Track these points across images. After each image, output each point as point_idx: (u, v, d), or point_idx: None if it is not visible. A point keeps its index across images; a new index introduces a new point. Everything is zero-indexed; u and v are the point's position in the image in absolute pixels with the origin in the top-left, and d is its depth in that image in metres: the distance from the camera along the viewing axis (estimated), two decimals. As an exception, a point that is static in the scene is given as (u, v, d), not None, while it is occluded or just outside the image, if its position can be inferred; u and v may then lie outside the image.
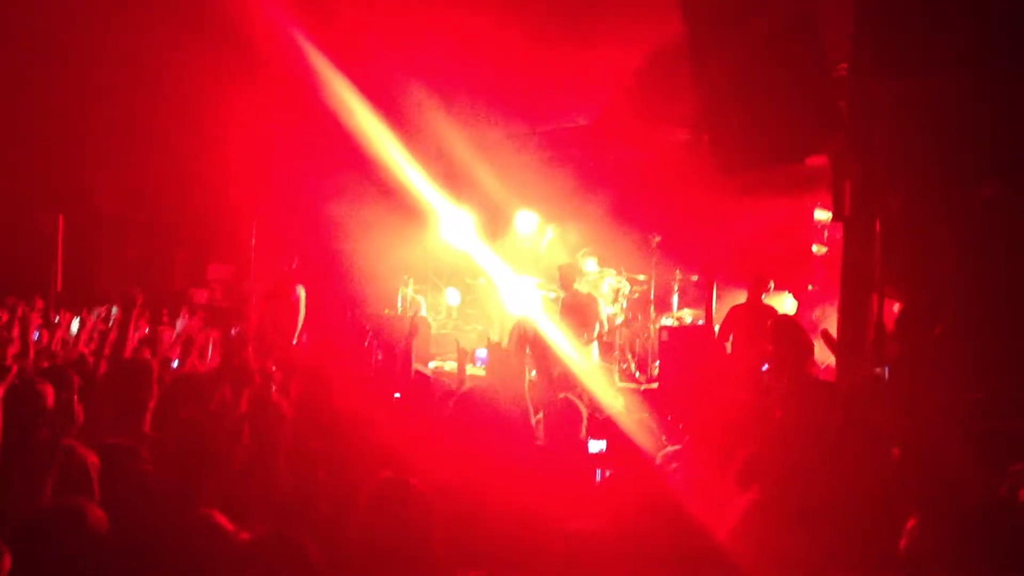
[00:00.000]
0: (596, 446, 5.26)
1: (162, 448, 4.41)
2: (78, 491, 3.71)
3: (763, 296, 9.84)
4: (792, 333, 8.11)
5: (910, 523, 2.82)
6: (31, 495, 3.80)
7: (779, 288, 10.78)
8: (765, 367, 7.70)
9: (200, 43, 11.03)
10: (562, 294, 10.50)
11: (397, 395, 5.81)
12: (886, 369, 6.86)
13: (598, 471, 5.10)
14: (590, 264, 11.92)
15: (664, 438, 6.42)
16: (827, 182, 8.57)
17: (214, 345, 7.83)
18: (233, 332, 9.01)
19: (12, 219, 13.76)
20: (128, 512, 3.58)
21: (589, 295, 10.72)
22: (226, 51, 11.15)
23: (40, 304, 8.89)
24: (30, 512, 3.36)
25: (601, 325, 10.65)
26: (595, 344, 10.85)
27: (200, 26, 10.98)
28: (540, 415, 5.33)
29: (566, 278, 10.73)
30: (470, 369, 8.05)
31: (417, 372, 6.58)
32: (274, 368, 6.26)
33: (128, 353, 5.74)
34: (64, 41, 11.66)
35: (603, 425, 5.33)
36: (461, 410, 4.74)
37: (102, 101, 12.87)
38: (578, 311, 10.40)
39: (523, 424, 5.35)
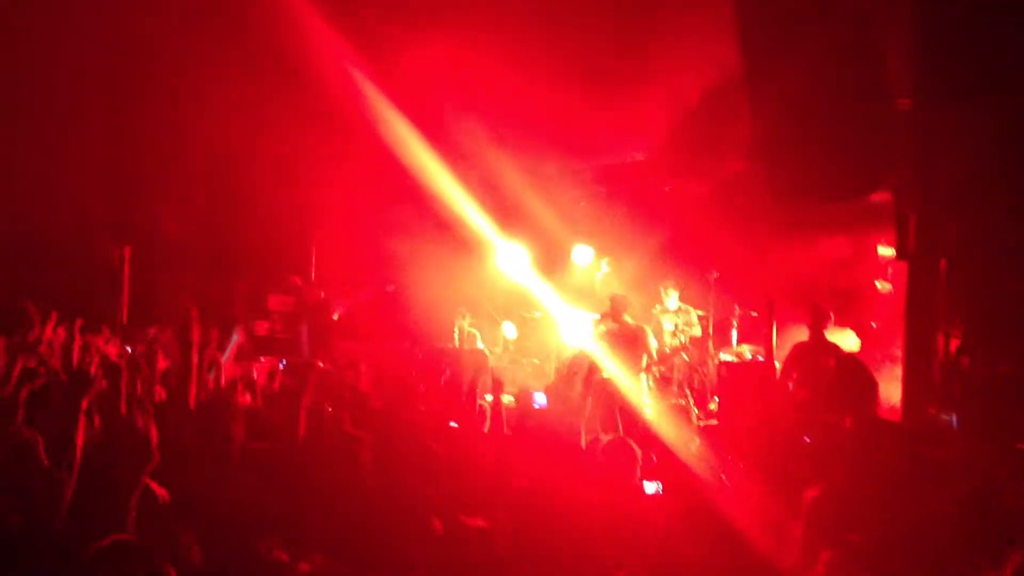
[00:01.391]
0: (651, 488, 5.19)
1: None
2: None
3: (825, 330, 9.60)
4: (856, 372, 7.98)
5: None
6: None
7: (841, 325, 10.57)
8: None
9: (264, 80, 11.27)
10: (613, 325, 10.41)
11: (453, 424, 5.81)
12: (953, 416, 6.68)
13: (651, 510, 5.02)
14: (672, 297, 11.89)
15: (725, 477, 6.34)
16: (889, 217, 8.43)
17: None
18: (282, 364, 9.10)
19: (80, 250, 14.09)
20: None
21: (638, 326, 10.61)
22: (288, 88, 11.37)
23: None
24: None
25: (650, 356, 10.52)
26: (643, 377, 10.77)
27: (263, 64, 11.22)
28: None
29: (617, 309, 10.64)
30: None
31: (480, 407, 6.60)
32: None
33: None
34: (133, 77, 11.98)
35: (662, 466, 5.28)
36: (520, 443, 4.72)
37: (169, 135, 13.19)
38: (628, 342, 10.29)
39: (579, 459, 5.32)
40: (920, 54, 7.12)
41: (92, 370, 4.57)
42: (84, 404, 4.02)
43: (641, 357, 9.94)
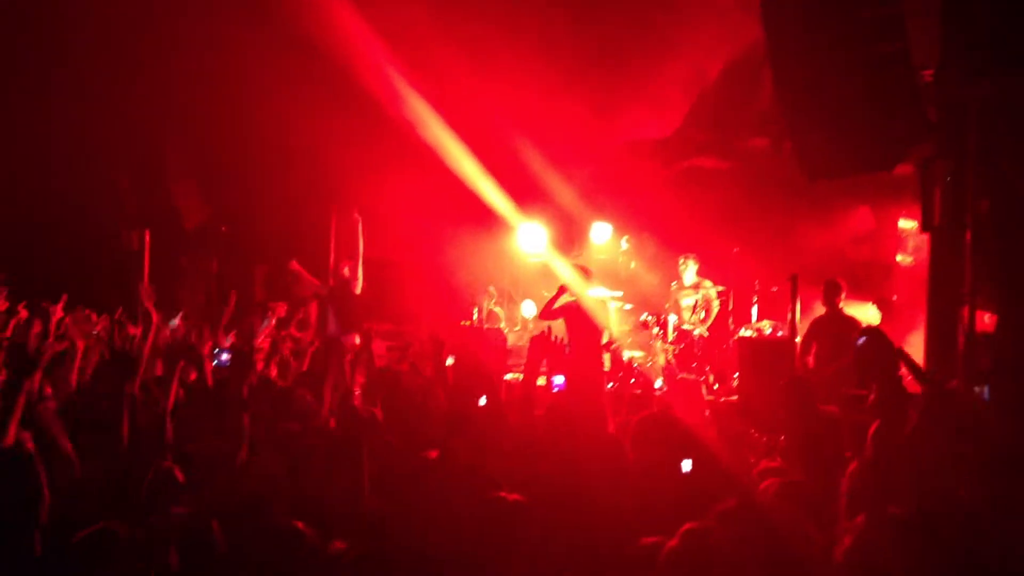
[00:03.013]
0: (686, 465, 5.16)
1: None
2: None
3: (840, 303, 9.58)
4: (879, 344, 7.94)
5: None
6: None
7: (863, 299, 10.54)
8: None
9: (285, 65, 11.27)
10: (571, 299, 9.96)
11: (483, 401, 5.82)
12: (986, 388, 6.65)
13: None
14: (690, 271, 11.80)
15: (748, 452, 6.33)
16: (912, 191, 8.37)
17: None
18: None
19: (100, 236, 14.17)
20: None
21: (599, 300, 10.21)
22: (309, 70, 11.36)
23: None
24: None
25: (610, 331, 10.06)
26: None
27: (285, 48, 11.20)
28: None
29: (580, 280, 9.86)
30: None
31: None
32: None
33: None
34: (152, 64, 11.98)
35: (687, 439, 5.27)
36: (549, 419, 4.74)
37: (188, 120, 13.22)
38: (587, 315, 9.87)
39: (604, 433, 5.34)
40: (945, 26, 7.05)
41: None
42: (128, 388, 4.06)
43: (602, 332, 9.60)
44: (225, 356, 7.65)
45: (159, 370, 6.43)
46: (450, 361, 7.86)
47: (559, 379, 9.92)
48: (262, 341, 8.25)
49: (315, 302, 12.32)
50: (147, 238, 14.08)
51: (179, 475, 4.14)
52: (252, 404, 4.95)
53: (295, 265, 11.87)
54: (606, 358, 9.93)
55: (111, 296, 11.92)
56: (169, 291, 14.04)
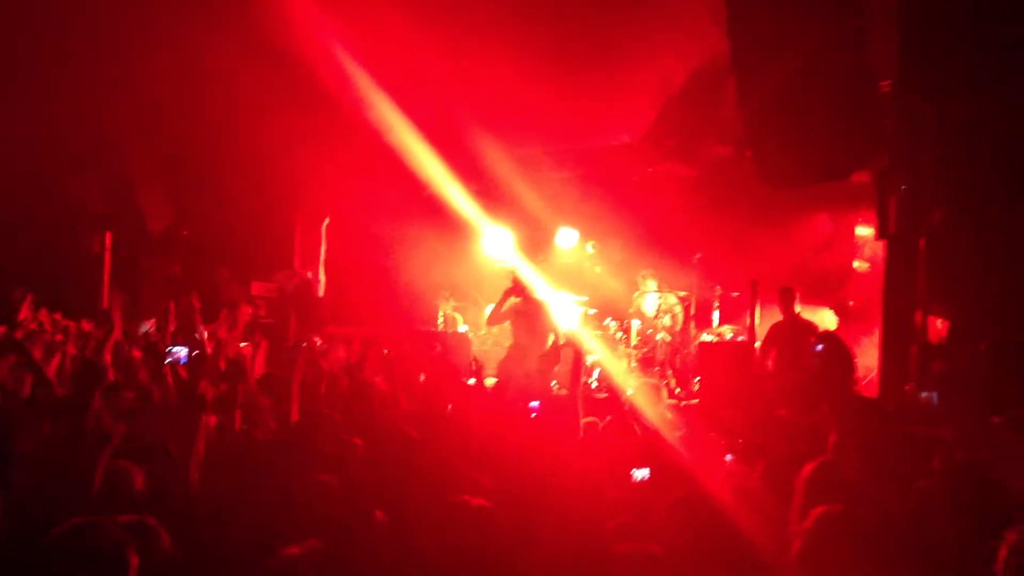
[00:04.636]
0: (640, 474, 5.22)
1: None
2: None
3: (795, 309, 9.75)
4: (836, 350, 8.10)
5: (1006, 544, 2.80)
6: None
7: (821, 304, 10.73)
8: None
9: (246, 64, 11.21)
10: (517, 301, 9.95)
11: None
12: (935, 395, 6.81)
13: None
14: (650, 286, 12.06)
15: (708, 456, 6.44)
16: (869, 199, 8.55)
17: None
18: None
19: (60, 238, 14.01)
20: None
21: (542, 302, 9.94)
22: (271, 71, 11.32)
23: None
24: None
25: (556, 332, 9.85)
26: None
27: (245, 47, 11.15)
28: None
29: (520, 285, 9.95)
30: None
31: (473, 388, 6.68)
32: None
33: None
34: (115, 63, 11.87)
35: (650, 444, 5.36)
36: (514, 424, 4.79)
37: (150, 121, 13.11)
38: (534, 318, 9.83)
39: (574, 439, 5.42)
40: (903, 40, 7.23)
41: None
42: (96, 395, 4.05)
43: (548, 333, 9.62)
44: (183, 355, 7.59)
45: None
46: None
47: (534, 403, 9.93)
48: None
49: (246, 306, 12.23)
50: (108, 241, 13.96)
51: (136, 477, 4.12)
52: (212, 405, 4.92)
53: (224, 272, 11.85)
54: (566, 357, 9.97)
55: (72, 299, 11.82)
56: (131, 295, 13.95)
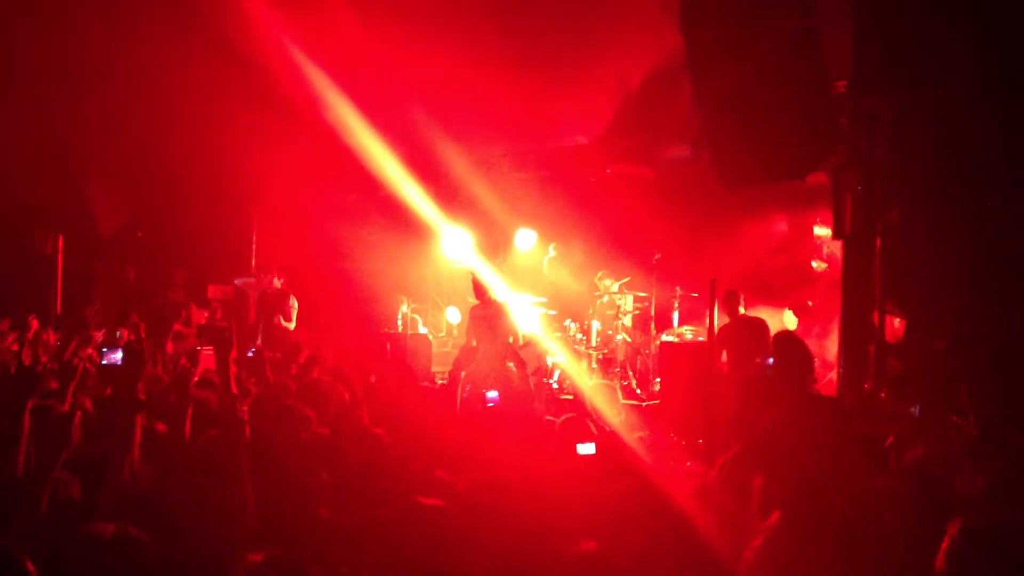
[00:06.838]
0: (585, 449, 5.15)
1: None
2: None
3: (739, 311, 9.76)
4: (794, 348, 8.12)
5: (948, 537, 2.78)
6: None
7: (780, 305, 10.78)
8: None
9: (200, 63, 11.05)
10: (475, 303, 9.92)
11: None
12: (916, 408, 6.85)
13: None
14: (608, 287, 12.06)
15: (670, 456, 6.44)
16: (827, 199, 8.60)
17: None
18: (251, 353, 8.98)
19: (12, 240, 13.74)
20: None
21: (501, 304, 9.81)
22: (226, 71, 11.16)
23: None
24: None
25: (515, 336, 9.84)
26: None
27: (200, 46, 10.99)
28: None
29: (479, 288, 9.82)
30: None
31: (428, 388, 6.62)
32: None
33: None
34: (65, 62, 11.65)
35: (604, 440, 5.32)
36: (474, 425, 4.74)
37: (103, 122, 12.88)
38: (493, 321, 9.82)
39: (533, 438, 5.37)
40: (858, 40, 7.27)
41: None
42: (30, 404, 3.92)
43: (507, 336, 9.61)
44: (117, 354, 7.34)
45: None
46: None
47: (493, 393, 9.88)
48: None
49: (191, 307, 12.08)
50: (60, 243, 13.73)
51: (75, 488, 4.00)
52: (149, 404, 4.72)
53: (182, 274, 11.71)
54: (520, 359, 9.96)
55: (22, 302, 11.59)
56: (83, 297, 13.70)
